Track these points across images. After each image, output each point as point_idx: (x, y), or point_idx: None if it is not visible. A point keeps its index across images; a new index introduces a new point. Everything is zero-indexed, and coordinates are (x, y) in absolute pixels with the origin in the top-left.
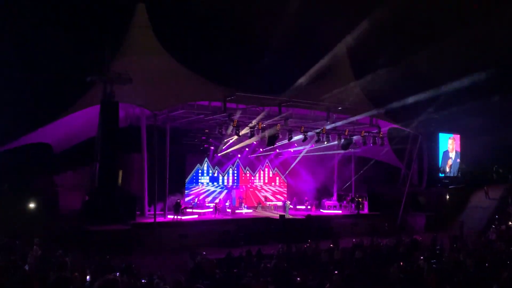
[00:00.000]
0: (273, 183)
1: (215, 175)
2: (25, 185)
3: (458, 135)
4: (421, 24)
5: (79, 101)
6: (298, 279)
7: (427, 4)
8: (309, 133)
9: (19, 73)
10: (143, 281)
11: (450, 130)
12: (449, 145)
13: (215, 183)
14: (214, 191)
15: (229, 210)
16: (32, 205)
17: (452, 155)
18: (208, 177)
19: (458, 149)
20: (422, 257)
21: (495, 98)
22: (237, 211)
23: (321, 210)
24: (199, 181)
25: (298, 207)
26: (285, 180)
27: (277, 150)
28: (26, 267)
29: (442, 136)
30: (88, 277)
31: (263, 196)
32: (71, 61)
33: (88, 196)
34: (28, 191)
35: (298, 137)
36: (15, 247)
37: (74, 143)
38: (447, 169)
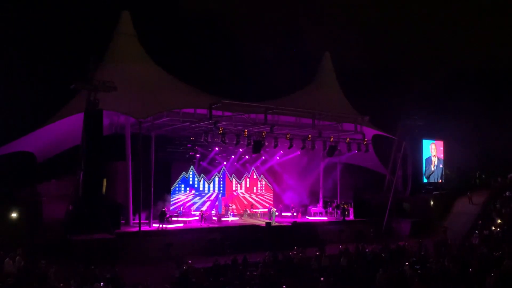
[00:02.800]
0: (259, 190)
1: (201, 183)
2: (7, 195)
3: (441, 142)
4: (407, 27)
5: (62, 109)
6: (284, 286)
7: (414, 7)
8: (295, 140)
9: (1, 81)
10: None
11: (433, 136)
12: (432, 151)
13: (201, 191)
14: (200, 199)
15: (215, 218)
16: (14, 215)
17: (435, 160)
18: (193, 185)
19: (441, 155)
20: (407, 263)
21: (478, 105)
22: (223, 219)
23: (307, 217)
24: (185, 189)
25: (284, 214)
26: (271, 187)
27: (263, 157)
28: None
29: (426, 143)
30: None
31: (249, 203)
32: (54, 69)
33: (72, 206)
34: (10, 201)
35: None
36: None
37: (58, 152)
38: (432, 169)
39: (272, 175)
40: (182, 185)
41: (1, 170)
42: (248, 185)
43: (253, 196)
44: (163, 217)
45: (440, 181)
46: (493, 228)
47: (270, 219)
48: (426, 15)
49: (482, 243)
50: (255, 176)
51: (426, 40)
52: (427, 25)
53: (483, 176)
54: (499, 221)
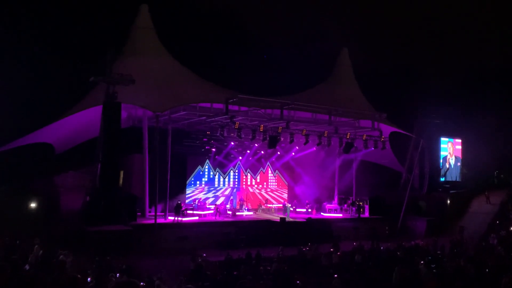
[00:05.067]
0: (273, 186)
1: (216, 177)
2: (26, 185)
3: (460, 140)
4: (427, 23)
5: (81, 101)
6: (298, 282)
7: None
8: (311, 136)
9: (21, 73)
10: (142, 283)
11: (451, 135)
12: (449, 150)
13: (216, 185)
14: (215, 193)
15: (229, 212)
16: (33, 205)
17: (452, 159)
18: (209, 179)
19: (459, 154)
20: (422, 262)
21: (498, 103)
22: (237, 213)
23: (321, 213)
24: (200, 182)
25: (298, 209)
26: (286, 183)
27: (278, 153)
28: (27, 267)
29: (444, 141)
30: (89, 278)
31: (264, 198)
32: (73, 61)
33: (89, 197)
34: (29, 191)
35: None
36: (16, 247)
37: (76, 144)
38: (447, 166)
39: (287, 171)
40: (198, 179)
41: (20, 161)
42: (263, 180)
43: (268, 191)
44: (178, 210)
45: (457, 180)
46: (511, 228)
47: (284, 214)
48: (446, 11)
49: (499, 244)
50: (270, 172)
51: (446, 36)
52: (447, 21)
53: (502, 175)
54: None
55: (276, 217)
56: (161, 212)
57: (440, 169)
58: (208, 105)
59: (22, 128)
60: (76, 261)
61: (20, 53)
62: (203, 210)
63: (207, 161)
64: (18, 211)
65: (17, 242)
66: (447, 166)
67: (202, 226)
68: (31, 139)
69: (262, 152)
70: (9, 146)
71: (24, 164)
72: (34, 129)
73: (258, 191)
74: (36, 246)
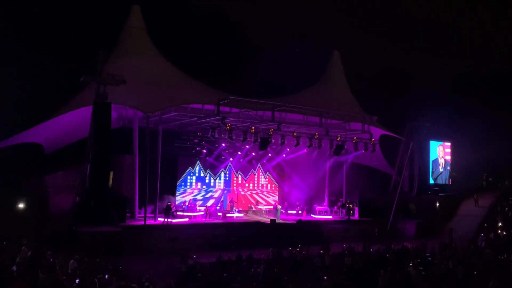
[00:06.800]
0: (264, 187)
1: (207, 178)
2: (15, 185)
3: (449, 143)
4: (417, 27)
5: (71, 101)
6: (285, 283)
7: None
8: (302, 138)
9: (11, 72)
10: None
11: (441, 138)
12: (439, 153)
13: (206, 187)
14: (205, 195)
15: (220, 214)
16: (21, 206)
17: (442, 162)
18: (199, 181)
19: (449, 157)
20: (411, 264)
21: (487, 107)
22: (228, 214)
23: (312, 215)
24: (191, 184)
25: (289, 211)
26: (277, 184)
27: (269, 155)
28: (14, 268)
29: (433, 144)
30: (77, 280)
31: (254, 200)
32: (64, 61)
33: (78, 197)
34: (18, 192)
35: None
36: (4, 248)
37: (66, 144)
38: (440, 170)
39: (278, 173)
40: (188, 180)
41: (9, 161)
42: (253, 182)
43: (259, 192)
44: (168, 212)
45: (447, 183)
46: (499, 231)
47: (275, 216)
48: (438, 14)
49: (488, 246)
50: (261, 173)
51: (438, 40)
52: (439, 25)
53: (490, 179)
54: (500, 224)
55: (266, 219)
56: (151, 213)
57: (429, 172)
58: (199, 106)
59: (12, 127)
60: (66, 262)
61: (10, 52)
62: (193, 212)
63: (198, 162)
64: (6, 211)
65: (4, 243)
66: (440, 169)
67: (192, 227)
68: (21, 138)
69: (253, 153)
70: None
71: (13, 164)
72: (23, 129)
73: (248, 192)
74: (24, 247)
